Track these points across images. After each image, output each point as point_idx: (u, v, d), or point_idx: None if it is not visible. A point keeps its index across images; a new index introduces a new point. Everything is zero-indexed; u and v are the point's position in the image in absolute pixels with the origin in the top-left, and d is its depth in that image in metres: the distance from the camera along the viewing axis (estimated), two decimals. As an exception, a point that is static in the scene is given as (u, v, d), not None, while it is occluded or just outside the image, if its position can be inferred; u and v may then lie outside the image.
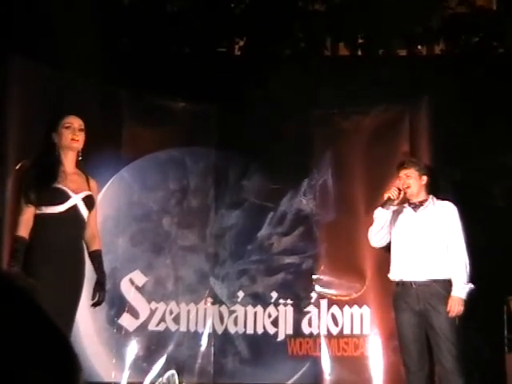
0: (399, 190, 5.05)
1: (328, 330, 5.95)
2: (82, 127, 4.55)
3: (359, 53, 6.40)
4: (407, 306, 4.99)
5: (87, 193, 4.53)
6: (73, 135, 4.48)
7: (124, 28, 5.99)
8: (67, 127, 4.50)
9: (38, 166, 4.46)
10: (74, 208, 4.46)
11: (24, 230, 4.35)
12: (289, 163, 6.01)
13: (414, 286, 4.98)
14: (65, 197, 4.42)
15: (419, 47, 6.30)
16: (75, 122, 4.54)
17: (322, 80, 5.98)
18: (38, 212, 4.41)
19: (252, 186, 6.09)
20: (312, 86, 5.98)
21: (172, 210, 6.03)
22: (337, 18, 6.08)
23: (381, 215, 5.13)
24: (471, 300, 4.98)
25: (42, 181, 4.40)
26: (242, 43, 6.44)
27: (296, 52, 6.32)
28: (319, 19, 6.06)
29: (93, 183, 4.65)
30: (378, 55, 6.12)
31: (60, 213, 4.41)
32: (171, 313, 5.93)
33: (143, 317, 5.86)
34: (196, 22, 6.10)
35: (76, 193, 4.47)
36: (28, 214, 4.36)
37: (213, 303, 6.01)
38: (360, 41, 6.30)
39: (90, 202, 4.53)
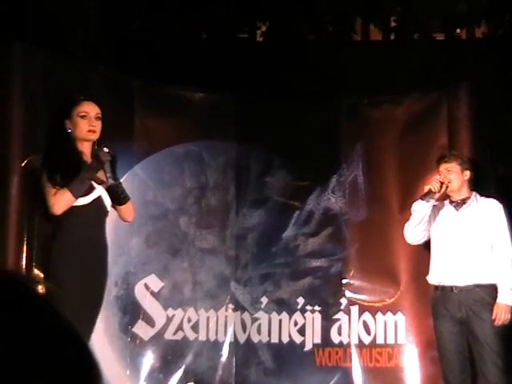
0: (441, 182, 4.87)
1: (359, 339, 5.73)
2: (99, 115, 4.29)
3: (392, 37, 6.11)
4: (447, 312, 4.82)
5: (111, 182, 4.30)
6: (89, 126, 4.23)
7: (136, 12, 5.71)
8: (83, 116, 4.24)
9: (56, 155, 4.23)
10: (99, 200, 4.26)
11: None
12: (316, 158, 5.77)
13: (454, 290, 4.82)
14: (90, 188, 4.20)
15: (458, 30, 5.96)
16: (92, 110, 4.28)
17: (352, 67, 5.82)
18: None
19: (276, 182, 5.88)
20: (340, 74, 5.81)
21: (189, 209, 5.82)
22: (367, -2, 5.79)
23: (420, 208, 4.95)
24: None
25: (67, 170, 4.16)
26: (264, 28, 6.20)
27: (323, 37, 6.11)
28: (348, 0, 5.73)
29: None
30: (412, 39, 5.78)
31: (85, 205, 4.20)
32: (189, 320, 5.72)
33: (159, 325, 5.64)
34: (214, 5, 5.79)
35: (99, 183, 4.25)
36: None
37: (234, 310, 5.81)
38: (393, 24, 5.98)
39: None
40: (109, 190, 4.28)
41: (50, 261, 4.20)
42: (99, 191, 4.26)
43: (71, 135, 4.25)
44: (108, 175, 4.21)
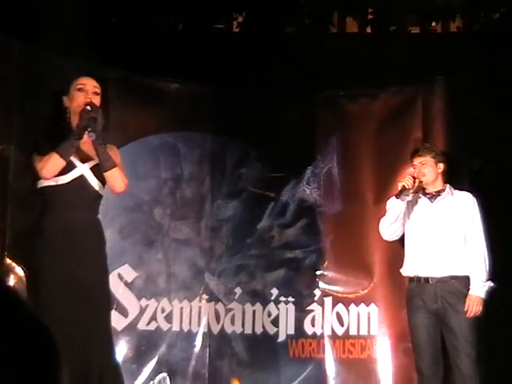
0: (414, 178, 4.85)
1: (332, 331, 5.72)
2: (97, 90, 4.18)
3: (368, 30, 6.06)
4: (423, 304, 4.81)
5: (97, 161, 4.12)
6: (85, 98, 4.08)
7: (113, 3, 5.63)
8: (80, 89, 4.13)
9: (46, 135, 4.14)
10: (81, 179, 4.08)
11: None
12: (291, 149, 5.72)
13: (431, 282, 4.80)
14: (69, 166, 4.03)
15: (433, 24, 5.96)
16: (89, 84, 4.16)
17: (328, 59, 5.76)
18: (39, 186, 4.07)
19: (251, 174, 5.85)
20: (317, 66, 5.75)
21: (164, 200, 5.76)
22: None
23: (395, 206, 4.92)
24: (491, 299, 4.79)
25: (51, 150, 4.01)
26: (241, 19, 6.11)
27: (300, 29, 6.05)
28: None
29: (111, 149, 4.26)
30: (389, 32, 5.76)
31: (64, 185, 4.04)
32: (163, 311, 5.68)
33: (132, 315, 5.59)
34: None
35: (83, 162, 4.10)
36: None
37: (208, 301, 5.77)
38: (370, 17, 5.96)
39: (100, 171, 4.14)
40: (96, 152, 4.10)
41: (33, 249, 4.06)
42: (81, 170, 4.09)
43: (68, 111, 4.13)
44: (89, 131, 3.99)
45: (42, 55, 5.12)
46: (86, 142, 4.12)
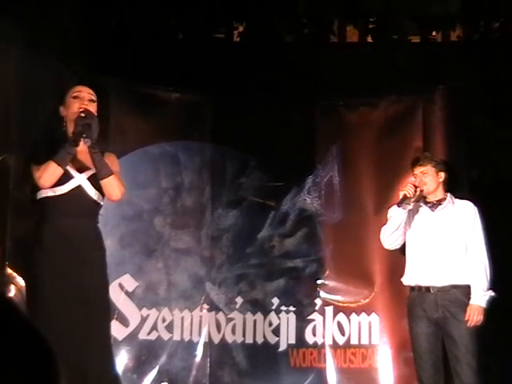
0: (415, 186, 4.83)
1: (333, 340, 5.72)
2: (93, 98, 4.17)
3: (369, 39, 6.10)
4: (424, 313, 4.79)
5: (94, 171, 4.10)
6: (80, 105, 4.08)
7: (111, 10, 5.62)
8: (75, 97, 4.13)
9: (43, 144, 4.12)
10: (79, 190, 4.07)
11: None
12: (291, 159, 5.73)
13: (431, 291, 4.78)
14: (66, 177, 4.03)
15: (433, 33, 5.96)
16: (84, 91, 4.17)
17: (328, 68, 5.73)
18: (38, 197, 4.05)
19: (251, 183, 5.85)
20: (317, 75, 5.71)
21: (165, 209, 5.76)
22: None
23: (396, 215, 4.90)
24: (491, 309, 4.77)
25: (48, 159, 4.00)
26: (241, 29, 6.10)
27: (300, 38, 6.03)
28: (325, 1, 5.69)
29: (110, 158, 4.24)
30: (389, 42, 5.76)
31: (62, 195, 4.03)
32: (164, 320, 5.67)
33: (133, 325, 5.60)
34: (191, 4, 5.72)
35: (80, 172, 4.08)
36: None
37: (209, 310, 5.77)
38: (370, 26, 5.97)
39: (98, 180, 4.11)
40: (92, 160, 4.09)
41: (32, 258, 4.03)
42: (78, 180, 4.08)
43: (64, 120, 4.12)
44: (84, 137, 3.98)
45: (42, 63, 5.06)
46: (83, 152, 4.10)
